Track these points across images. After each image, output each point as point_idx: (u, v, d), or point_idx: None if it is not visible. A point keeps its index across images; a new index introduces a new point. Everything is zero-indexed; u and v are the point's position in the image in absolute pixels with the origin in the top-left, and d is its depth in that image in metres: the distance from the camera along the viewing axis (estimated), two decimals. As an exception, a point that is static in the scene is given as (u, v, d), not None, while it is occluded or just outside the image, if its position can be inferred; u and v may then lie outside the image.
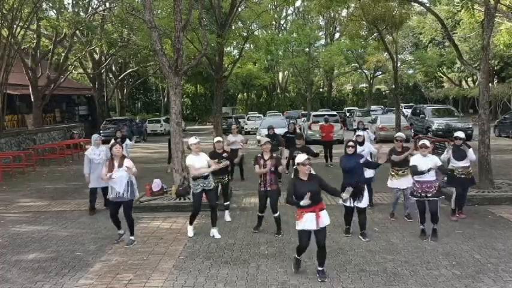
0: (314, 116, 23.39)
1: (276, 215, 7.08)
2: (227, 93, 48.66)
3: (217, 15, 15.20)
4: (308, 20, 44.09)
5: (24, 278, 5.68)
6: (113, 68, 36.03)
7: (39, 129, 20.84)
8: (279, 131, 13.09)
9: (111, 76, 36.62)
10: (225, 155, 7.81)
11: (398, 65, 22.17)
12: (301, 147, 9.09)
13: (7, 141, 17.58)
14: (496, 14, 10.82)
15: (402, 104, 33.30)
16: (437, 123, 21.46)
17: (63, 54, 24.19)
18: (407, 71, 39.77)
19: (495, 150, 14.29)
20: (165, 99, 47.08)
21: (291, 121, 17.06)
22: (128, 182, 6.67)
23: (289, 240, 6.83)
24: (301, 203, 5.09)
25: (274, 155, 7.20)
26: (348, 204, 6.63)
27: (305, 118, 28.33)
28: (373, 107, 39.00)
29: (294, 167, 5.46)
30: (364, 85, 55.70)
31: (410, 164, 6.75)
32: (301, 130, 19.85)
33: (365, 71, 43.44)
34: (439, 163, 6.71)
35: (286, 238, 6.93)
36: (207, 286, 5.26)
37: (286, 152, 11.39)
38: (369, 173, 7.86)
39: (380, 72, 44.38)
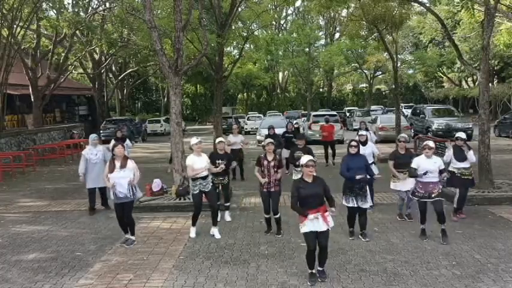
0: (314, 116, 23.40)
1: (277, 216, 7.07)
2: (227, 93, 48.67)
3: (217, 15, 15.19)
4: (308, 20, 44.10)
5: (24, 278, 5.68)
6: (113, 68, 36.03)
7: (39, 129, 20.85)
8: (279, 131, 13.09)
9: (111, 76, 36.63)
10: (222, 166, 7.77)
11: (398, 65, 22.14)
12: (302, 148, 9.05)
13: (7, 141, 17.58)
14: (496, 14, 10.82)
15: (402, 104, 33.29)
16: (437, 123, 21.47)
17: (63, 54, 24.19)
18: (407, 71, 39.77)
19: (495, 150, 14.29)
20: (165, 99, 47.08)
21: (290, 121, 17.05)
22: (129, 182, 6.65)
23: (289, 240, 6.83)
24: (310, 217, 5.08)
25: (277, 156, 7.17)
26: (351, 205, 6.60)
27: (305, 118, 28.35)
28: (373, 107, 39.03)
29: (299, 169, 5.43)
30: (364, 85, 55.71)
31: (412, 165, 6.74)
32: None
33: (365, 71, 43.44)
34: (442, 166, 6.70)
35: (286, 238, 6.92)
36: (207, 286, 5.26)
37: (285, 152, 11.39)
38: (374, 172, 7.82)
39: (380, 72, 44.39)
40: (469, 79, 41.21)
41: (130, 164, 6.70)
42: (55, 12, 22.45)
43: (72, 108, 31.94)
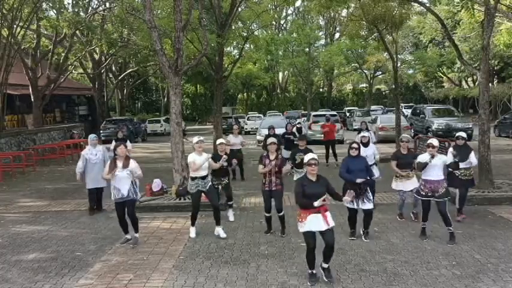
0: (314, 116, 23.42)
1: (281, 214, 7.03)
2: (227, 93, 48.68)
3: (217, 15, 15.20)
4: (308, 20, 44.08)
5: (24, 278, 5.68)
6: (113, 68, 36.03)
7: (39, 129, 20.84)
8: (279, 131, 13.11)
9: (111, 76, 36.63)
10: (224, 157, 7.81)
11: (398, 65, 22.12)
12: (304, 149, 9.01)
13: (7, 141, 17.58)
14: (496, 14, 10.83)
15: (402, 104, 33.29)
16: (437, 123, 21.47)
17: (63, 54, 24.19)
18: (407, 71, 39.73)
19: (495, 150, 14.29)
20: (165, 99, 47.09)
21: (290, 121, 17.04)
22: (131, 182, 6.68)
23: (289, 240, 6.83)
24: (315, 203, 5.04)
25: (280, 156, 7.14)
26: (351, 206, 6.59)
27: (305, 118, 28.35)
28: (373, 107, 39.04)
29: (300, 170, 5.42)
30: (364, 85, 55.72)
31: (417, 161, 6.72)
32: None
33: (365, 71, 43.42)
34: (448, 162, 6.70)
35: (286, 238, 6.92)
36: (207, 286, 5.26)
37: (284, 153, 11.37)
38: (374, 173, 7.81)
39: (380, 72, 44.38)
40: (469, 79, 41.21)
41: (133, 163, 6.72)
42: (55, 12, 22.45)
43: (72, 108, 31.93)
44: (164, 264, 5.98)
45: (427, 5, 21.71)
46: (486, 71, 9.70)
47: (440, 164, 6.61)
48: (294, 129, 13.37)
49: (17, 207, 9.91)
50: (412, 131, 21.32)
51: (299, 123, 17.75)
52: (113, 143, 9.89)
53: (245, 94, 54.98)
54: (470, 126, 20.42)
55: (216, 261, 6.03)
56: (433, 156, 6.51)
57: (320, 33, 45.35)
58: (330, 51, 35.86)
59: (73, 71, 32.45)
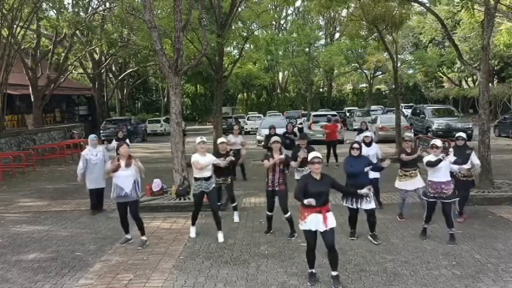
0: (314, 116, 23.41)
1: (288, 215, 6.94)
2: (227, 93, 48.68)
3: (217, 15, 15.20)
4: (308, 20, 44.08)
5: (24, 278, 5.68)
6: (113, 68, 36.02)
7: (39, 129, 20.85)
8: (279, 131, 13.11)
9: (111, 76, 36.62)
10: (231, 152, 7.81)
11: (398, 65, 22.12)
12: (307, 149, 8.98)
13: (7, 141, 17.59)
14: (496, 14, 10.82)
15: (402, 104, 33.30)
16: (437, 123, 21.48)
17: (63, 54, 24.20)
18: (407, 71, 39.73)
19: (495, 150, 14.29)
20: (165, 99, 47.10)
21: (290, 121, 17.05)
22: (134, 181, 6.66)
23: (289, 240, 6.83)
24: (305, 201, 5.01)
25: (283, 155, 7.09)
26: (352, 206, 6.57)
27: (305, 118, 28.37)
28: (373, 107, 39.04)
29: (301, 169, 5.40)
30: (364, 85, 55.72)
31: (425, 160, 6.64)
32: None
33: (365, 71, 43.41)
34: (453, 159, 6.68)
35: (286, 238, 6.92)
36: (207, 286, 5.27)
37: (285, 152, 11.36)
38: (375, 173, 7.80)
39: (380, 72, 44.37)
40: (469, 79, 41.21)
41: (137, 162, 6.71)
42: (55, 12, 22.46)
43: (72, 108, 31.94)
44: (164, 264, 5.98)
45: (427, 5, 21.72)
46: (486, 71, 9.70)
47: (447, 165, 6.55)
48: (295, 129, 13.37)
49: (17, 207, 9.91)
50: (412, 131, 21.32)
51: (301, 123, 17.72)
52: (113, 142, 9.87)
53: (245, 94, 54.99)
54: (470, 126, 20.42)
55: (216, 261, 6.03)
56: (447, 154, 6.46)
57: (320, 33, 45.37)
58: (330, 51, 35.87)
59: (73, 71, 32.45)
